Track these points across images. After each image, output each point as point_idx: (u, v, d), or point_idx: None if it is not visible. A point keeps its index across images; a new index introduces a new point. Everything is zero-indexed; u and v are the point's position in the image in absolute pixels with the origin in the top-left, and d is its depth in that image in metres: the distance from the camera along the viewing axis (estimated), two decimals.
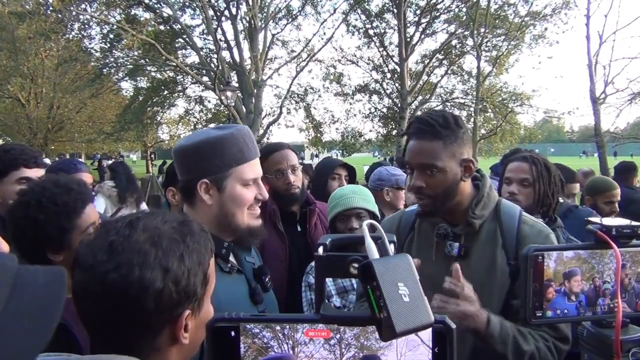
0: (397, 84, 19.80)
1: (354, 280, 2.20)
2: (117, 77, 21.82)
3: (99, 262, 0.83)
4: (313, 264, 2.30)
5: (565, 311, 1.20)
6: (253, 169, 1.51)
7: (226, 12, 17.49)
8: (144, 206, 4.54)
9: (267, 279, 1.63)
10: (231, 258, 1.55)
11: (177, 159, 1.53)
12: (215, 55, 17.15)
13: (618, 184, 3.82)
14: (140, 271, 0.83)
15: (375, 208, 2.41)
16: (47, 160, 4.47)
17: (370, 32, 19.90)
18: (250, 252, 1.68)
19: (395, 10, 18.37)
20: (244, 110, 17.49)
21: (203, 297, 0.93)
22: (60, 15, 16.09)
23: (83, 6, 16.74)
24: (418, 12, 19.33)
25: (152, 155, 26.97)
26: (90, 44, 19.84)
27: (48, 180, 1.70)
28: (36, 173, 2.22)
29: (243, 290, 1.54)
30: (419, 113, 17.85)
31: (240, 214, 1.50)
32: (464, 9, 18.28)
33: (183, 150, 1.50)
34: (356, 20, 20.03)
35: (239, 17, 17.81)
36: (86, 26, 18.49)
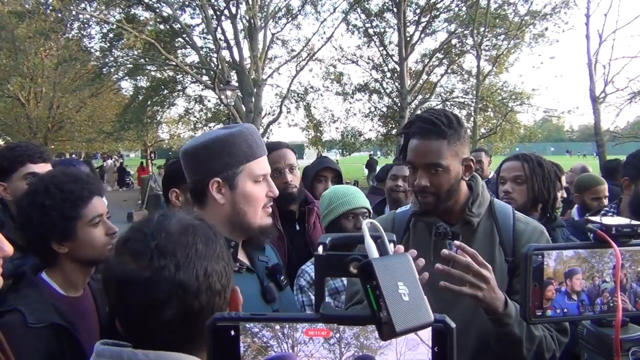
0: (397, 83, 19.80)
1: (345, 281, 2.20)
2: (117, 76, 21.81)
3: (159, 268, 0.85)
4: (303, 267, 2.30)
5: (566, 310, 1.20)
6: (262, 165, 1.51)
7: (226, 12, 17.50)
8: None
9: (282, 277, 1.62)
10: (242, 258, 1.53)
11: (185, 160, 1.51)
12: (215, 55, 17.17)
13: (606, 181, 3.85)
14: (200, 262, 0.89)
15: (370, 208, 2.43)
16: None
17: (370, 31, 19.91)
18: (264, 252, 1.66)
19: (395, 10, 18.38)
20: (244, 109, 17.49)
21: None
22: (60, 15, 16.10)
23: (83, 5, 16.75)
24: (418, 11, 19.35)
25: (152, 155, 26.96)
26: (90, 43, 19.87)
27: (58, 170, 1.73)
28: (43, 168, 2.23)
29: (254, 289, 1.52)
30: (418, 112, 17.83)
31: (252, 212, 1.48)
32: (464, 8, 18.28)
33: (192, 151, 1.48)
34: (356, 19, 20.08)
35: (238, 16, 17.81)
36: (86, 25, 18.50)
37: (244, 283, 1.48)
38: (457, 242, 1.37)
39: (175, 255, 0.86)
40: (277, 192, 1.55)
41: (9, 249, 1.17)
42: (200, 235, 0.91)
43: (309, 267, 2.27)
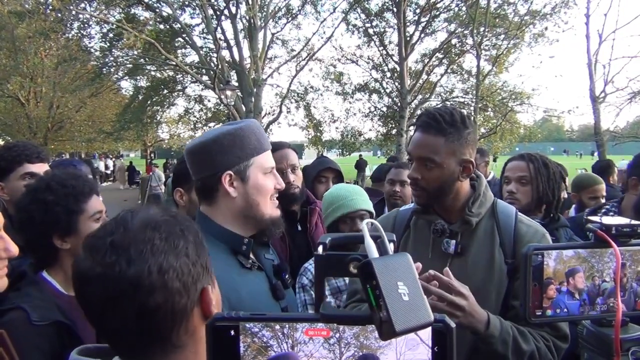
0: (396, 83, 19.78)
1: (347, 281, 2.19)
2: (116, 76, 21.79)
3: (110, 264, 0.83)
4: (306, 265, 2.30)
5: (566, 310, 1.20)
6: (269, 158, 1.55)
7: (226, 11, 17.47)
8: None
9: (287, 276, 1.64)
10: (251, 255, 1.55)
11: (193, 157, 1.51)
12: (215, 55, 17.13)
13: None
14: (155, 258, 0.84)
15: (372, 209, 2.41)
16: None
17: (370, 31, 19.87)
18: (269, 250, 1.68)
19: (395, 9, 18.35)
20: (244, 109, 17.47)
21: (211, 270, 0.96)
22: (59, 15, 16.08)
23: (82, 5, 16.73)
24: (418, 11, 19.31)
25: (152, 155, 26.99)
26: (90, 43, 19.84)
27: (57, 170, 1.75)
28: (40, 168, 2.23)
29: (264, 286, 1.54)
30: (418, 112, 17.86)
31: (264, 203, 1.51)
32: (464, 8, 18.27)
33: (200, 147, 1.49)
34: (356, 19, 20.03)
35: (238, 16, 17.79)
36: (86, 25, 18.48)
37: (254, 280, 1.51)
38: (431, 272, 1.38)
39: (128, 251, 0.83)
40: (283, 184, 1.58)
41: (15, 249, 1.17)
42: (162, 231, 0.87)
43: (311, 265, 2.26)
